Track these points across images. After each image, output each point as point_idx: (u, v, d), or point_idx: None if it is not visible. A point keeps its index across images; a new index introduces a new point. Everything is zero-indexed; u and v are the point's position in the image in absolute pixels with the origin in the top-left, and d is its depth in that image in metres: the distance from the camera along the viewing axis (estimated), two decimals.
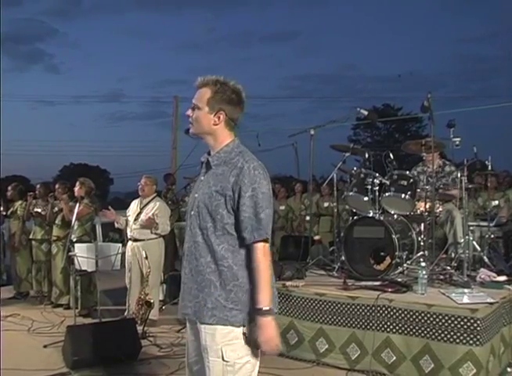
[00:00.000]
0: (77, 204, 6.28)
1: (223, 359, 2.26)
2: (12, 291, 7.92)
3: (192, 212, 2.40)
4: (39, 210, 7.46)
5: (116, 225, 6.59)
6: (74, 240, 6.36)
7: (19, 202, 7.90)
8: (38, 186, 7.89)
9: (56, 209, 7.15)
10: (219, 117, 2.39)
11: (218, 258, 2.30)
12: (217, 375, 2.27)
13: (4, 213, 7.94)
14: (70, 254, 5.72)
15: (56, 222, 7.14)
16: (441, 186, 5.89)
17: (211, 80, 2.41)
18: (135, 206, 6.40)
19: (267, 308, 2.23)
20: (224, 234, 2.31)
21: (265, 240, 2.28)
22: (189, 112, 2.44)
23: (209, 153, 2.47)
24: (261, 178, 2.29)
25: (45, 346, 5.26)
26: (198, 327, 2.35)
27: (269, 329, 2.24)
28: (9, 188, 8.06)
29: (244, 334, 2.29)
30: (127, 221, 6.35)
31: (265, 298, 2.24)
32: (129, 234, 6.31)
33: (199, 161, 2.54)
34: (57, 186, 7.36)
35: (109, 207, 6.39)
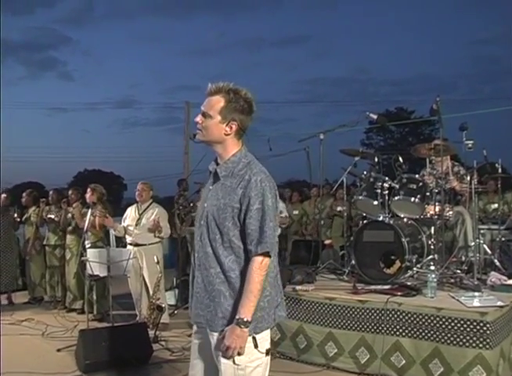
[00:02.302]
0: (90, 210, 6.35)
1: (234, 362, 2.28)
2: (26, 296, 8.03)
3: (202, 222, 2.41)
4: (52, 216, 7.55)
5: (113, 232, 6.66)
6: (88, 245, 6.45)
7: (33, 208, 8.01)
8: (51, 192, 7.99)
9: (70, 215, 7.23)
10: (231, 127, 2.37)
11: (225, 269, 2.33)
12: None
13: (18, 219, 8.02)
14: (83, 259, 5.80)
15: (69, 228, 7.23)
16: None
17: (224, 88, 2.37)
18: (132, 212, 6.49)
19: (248, 319, 2.25)
20: (231, 246, 2.33)
21: (266, 254, 2.28)
22: (199, 119, 2.40)
23: (216, 161, 2.47)
24: (267, 191, 2.30)
25: (58, 350, 5.32)
26: (210, 334, 2.39)
27: (241, 340, 2.25)
28: (24, 194, 8.18)
29: (254, 338, 2.32)
30: (125, 228, 6.42)
31: (249, 310, 2.25)
32: (129, 240, 6.38)
33: (207, 169, 2.55)
34: (70, 191, 7.45)
35: (107, 215, 6.47)
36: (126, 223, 6.43)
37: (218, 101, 2.36)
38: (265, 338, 2.38)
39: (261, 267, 2.27)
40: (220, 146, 2.42)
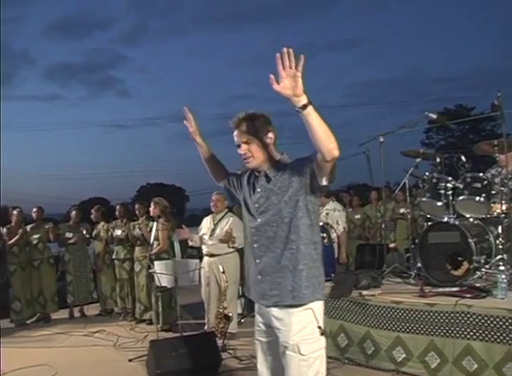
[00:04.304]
0: (155, 223, 6.51)
1: (300, 353, 2.52)
2: (98, 309, 8.30)
3: (260, 217, 2.66)
4: (119, 233, 7.79)
5: (190, 243, 6.78)
6: (153, 257, 6.60)
7: (102, 223, 8.27)
8: (118, 206, 8.23)
9: (137, 231, 7.44)
10: (271, 138, 2.66)
11: (287, 243, 2.57)
12: (294, 369, 2.52)
13: (88, 235, 8.31)
14: (150, 271, 5.94)
15: (138, 241, 7.43)
16: None
17: (243, 115, 2.66)
18: (208, 222, 6.55)
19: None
20: (291, 220, 2.56)
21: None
22: (244, 149, 2.64)
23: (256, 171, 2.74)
24: None
25: (130, 360, 5.47)
26: (274, 323, 2.61)
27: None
28: (92, 210, 8.47)
29: (320, 327, 2.55)
30: (201, 238, 6.51)
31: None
32: (205, 250, 6.45)
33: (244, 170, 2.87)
34: (137, 206, 7.66)
35: (183, 226, 6.58)
36: (201, 233, 6.53)
37: (248, 125, 2.64)
38: (322, 321, 2.60)
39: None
40: (268, 161, 2.69)
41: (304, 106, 2.24)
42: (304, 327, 2.53)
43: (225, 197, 6.55)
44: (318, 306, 2.60)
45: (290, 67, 2.20)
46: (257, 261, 2.66)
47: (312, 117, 2.25)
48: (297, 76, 2.20)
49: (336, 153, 2.28)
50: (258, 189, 2.68)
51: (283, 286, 2.57)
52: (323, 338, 2.59)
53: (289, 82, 2.22)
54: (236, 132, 2.66)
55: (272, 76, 2.22)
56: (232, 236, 6.21)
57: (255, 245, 2.67)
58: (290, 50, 2.17)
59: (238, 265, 6.40)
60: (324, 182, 2.47)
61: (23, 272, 7.75)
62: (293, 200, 2.54)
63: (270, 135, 2.64)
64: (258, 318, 2.78)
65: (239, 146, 2.66)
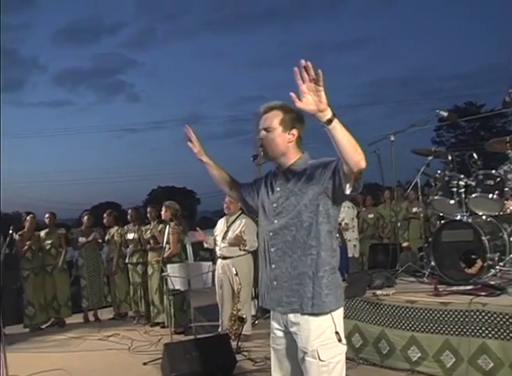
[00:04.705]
0: (167, 227, 6.53)
1: (319, 359, 2.43)
2: (111, 312, 8.34)
3: (277, 219, 2.56)
4: (131, 237, 7.83)
5: (205, 245, 6.78)
6: (166, 260, 6.61)
7: (116, 228, 8.29)
8: (130, 210, 8.26)
9: (148, 234, 7.46)
10: (293, 135, 2.56)
11: (306, 249, 2.48)
12: (314, 375, 2.45)
13: (100, 240, 8.35)
14: (163, 274, 5.95)
15: (149, 245, 7.45)
16: None
17: (277, 105, 2.58)
18: (221, 225, 6.55)
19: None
20: (310, 225, 2.47)
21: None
22: (261, 135, 2.58)
23: (276, 170, 2.67)
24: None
25: (144, 364, 5.49)
26: (292, 328, 2.53)
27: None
28: (105, 215, 8.48)
29: (337, 333, 2.46)
30: (215, 240, 6.52)
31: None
32: (218, 252, 6.46)
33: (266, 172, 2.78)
34: (149, 209, 7.71)
35: (198, 229, 6.58)
36: (215, 235, 6.54)
37: (276, 114, 2.56)
38: (342, 328, 2.52)
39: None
40: (283, 157, 2.60)
41: (329, 121, 2.15)
42: (323, 332, 2.46)
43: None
44: (338, 313, 2.52)
45: (310, 81, 2.11)
46: (273, 266, 2.57)
47: (338, 130, 2.16)
48: (319, 90, 2.10)
49: (363, 164, 2.21)
50: (277, 189, 2.60)
51: (302, 293, 2.48)
52: (344, 340, 2.51)
53: (311, 97, 2.13)
54: (262, 117, 2.61)
55: (292, 94, 2.13)
56: (242, 240, 6.19)
57: (272, 249, 2.57)
58: (309, 63, 2.07)
59: (251, 267, 6.40)
60: (348, 191, 2.38)
61: (36, 277, 7.82)
62: (314, 204, 2.46)
63: (294, 131, 2.56)
64: (274, 324, 2.68)
65: (259, 131, 2.61)
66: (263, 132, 2.58)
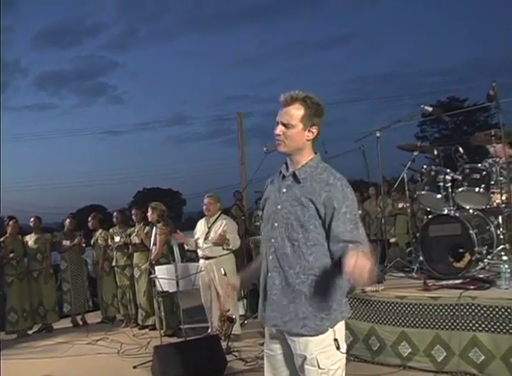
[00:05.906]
0: (154, 228, 6.48)
1: (319, 367, 2.33)
2: (99, 316, 8.25)
3: (276, 224, 2.42)
4: (117, 239, 7.75)
5: (186, 247, 6.74)
6: (154, 262, 6.56)
7: (100, 231, 8.21)
8: (115, 213, 8.20)
9: (134, 236, 7.40)
10: (312, 132, 2.43)
11: (307, 268, 2.34)
12: None
13: (84, 244, 8.26)
14: (151, 276, 5.90)
15: (135, 247, 7.38)
16: None
17: (299, 96, 2.41)
18: (202, 226, 6.53)
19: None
20: (315, 244, 2.34)
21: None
22: (279, 130, 2.42)
23: (286, 167, 2.51)
24: (350, 194, 2.36)
25: (134, 367, 5.43)
26: (288, 338, 2.41)
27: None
28: (90, 218, 8.39)
29: (336, 340, 2.36)
30: (196, 242, 6.48)
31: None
32: (200, 253, 6.43)
33: (277, 172, 2.59)
34: (134, 211, 7.65)
35: (178, 231, 6.55)
36: (196, 237, 6.51)
37: (298, 109, 2.40)
38: (342, 336, 2.43)
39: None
40: (299, 153, 2.45)
41: None
42: (323, 340, 2.34)
43: (217, 200, 6.54)
44: (339, 325, 2.43)
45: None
46: (269, 274, 2.44)
47: None
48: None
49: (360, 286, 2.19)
50: (284, 190, 2.45)
51: (296, 314, 2.35)
52: (344, 347, 2.42)
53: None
54: (283, 108, 2.42)
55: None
56: (226, 239, 6.20)
57: (270, 257, 2.45)
58: None
59: (234, 266, 6.41)
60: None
61: (20, 283, 7.71)
62: (314, 223, 2.34)
63: (313, 129, 2.41)
64: (271, 329, 2.53)
65: (277, 123, 2.43)
66: (281, 127, 2.42)
